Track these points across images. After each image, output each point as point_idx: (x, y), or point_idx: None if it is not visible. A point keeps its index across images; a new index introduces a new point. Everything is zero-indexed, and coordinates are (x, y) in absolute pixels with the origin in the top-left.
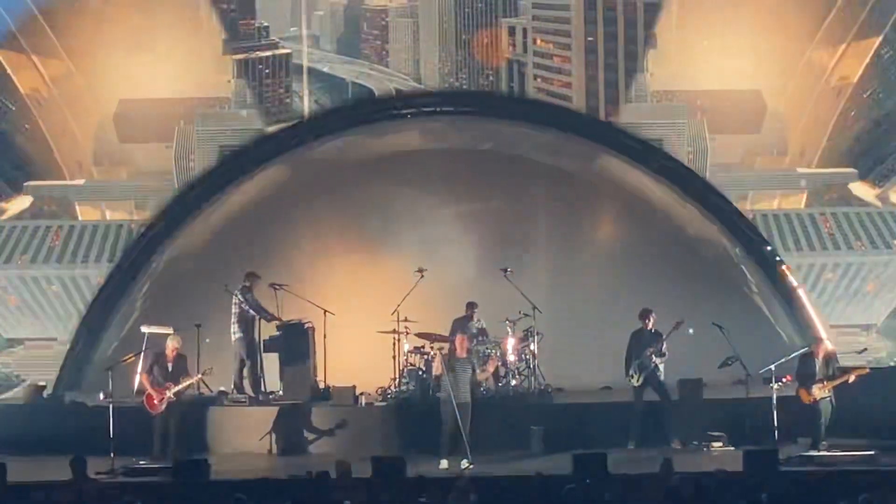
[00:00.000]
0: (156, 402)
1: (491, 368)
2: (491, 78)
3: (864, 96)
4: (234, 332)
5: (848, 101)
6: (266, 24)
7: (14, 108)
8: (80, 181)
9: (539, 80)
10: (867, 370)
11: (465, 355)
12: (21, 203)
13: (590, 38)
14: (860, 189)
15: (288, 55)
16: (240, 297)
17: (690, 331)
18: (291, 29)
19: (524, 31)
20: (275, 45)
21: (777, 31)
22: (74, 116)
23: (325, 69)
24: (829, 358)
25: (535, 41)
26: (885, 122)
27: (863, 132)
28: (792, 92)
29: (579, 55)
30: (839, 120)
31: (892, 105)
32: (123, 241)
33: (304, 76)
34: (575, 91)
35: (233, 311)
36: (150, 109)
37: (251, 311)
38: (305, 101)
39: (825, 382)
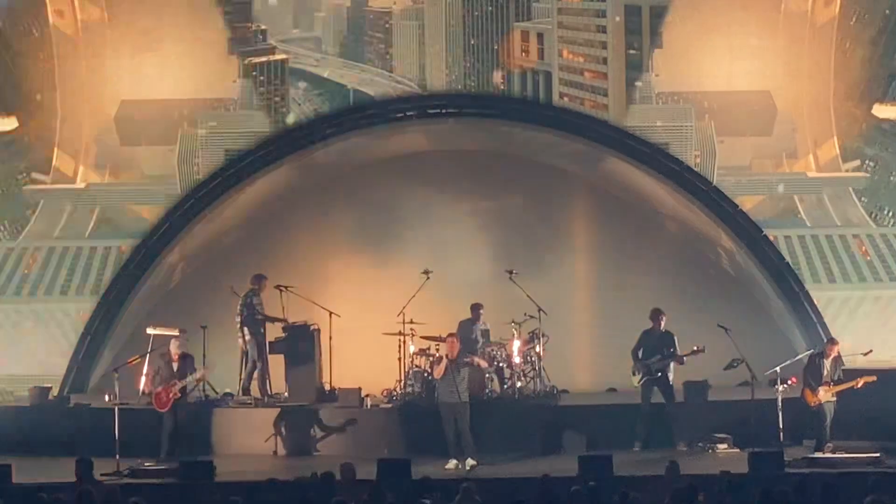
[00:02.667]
0: (164, 399)
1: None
2: (502, 87)
3: (851, 23)
4: (246, 334)
5: (838, 34)
6: (264, 27)
7: (36, 35)
8: (81, 185)
9: (566, 98)
10: (874, 378)
11: (455, 356)
12: (5, 124)
13: (632, 51)
14: (882, 110)
15: (284, 61)
16: (241, 300)
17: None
18: (294, 31)
19: (539, 36)
20: (271, 51)
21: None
22: (88, 65)
23: (326, 75)
24: (837, 360)
25: (561, 53)
26: (880, 39)
27: (864, 58)
28: (783, 45)
29: (618, 72)
30: (838, 55)
31: (881, 20)
32: (112, 267)
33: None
34: (613, 115)
35: (237, 312)
36: (152, 111)
37: (257, 315)
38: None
39: (831, 385)
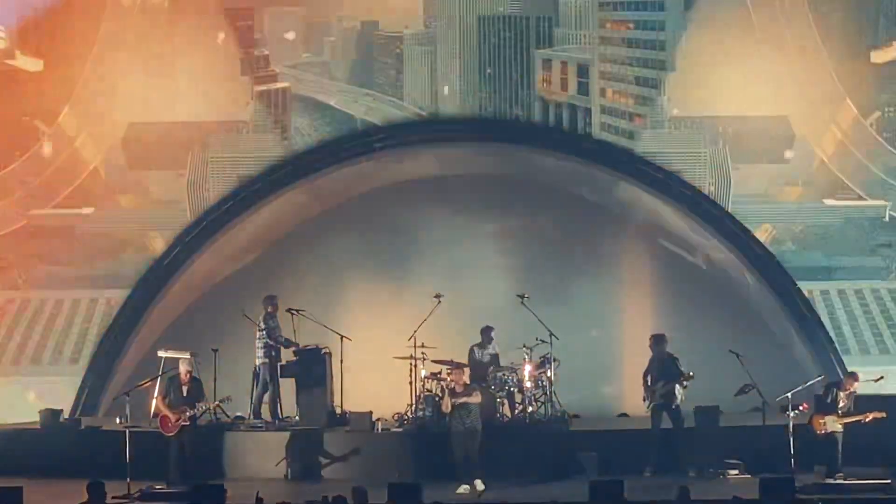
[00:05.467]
0: (170, 424)
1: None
2: (521, 120)
3: None
4: (259, 357)
5: (810, 1)
6: (266, 52)
7: None
8: (88, 210)
9: None
10: (884, 414)
11: (461, 387)
12: (31, 65)
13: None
14: (880, 55)
15: (286, 89)
16: (262, 324)
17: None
18: (304, 55)
19: (563, 65)
20: (273, 78)
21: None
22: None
23: (333, 103)
24: (852, 394)
25: (603, 93)
26: None
27: (843, 15)
28: (758, 25)
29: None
30: (817, 20)
31: None
32: (100, 318)
33: None
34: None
35: (257, 336)
36: (161, 134)
37: (272, 339)
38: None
39: (839, 416)
